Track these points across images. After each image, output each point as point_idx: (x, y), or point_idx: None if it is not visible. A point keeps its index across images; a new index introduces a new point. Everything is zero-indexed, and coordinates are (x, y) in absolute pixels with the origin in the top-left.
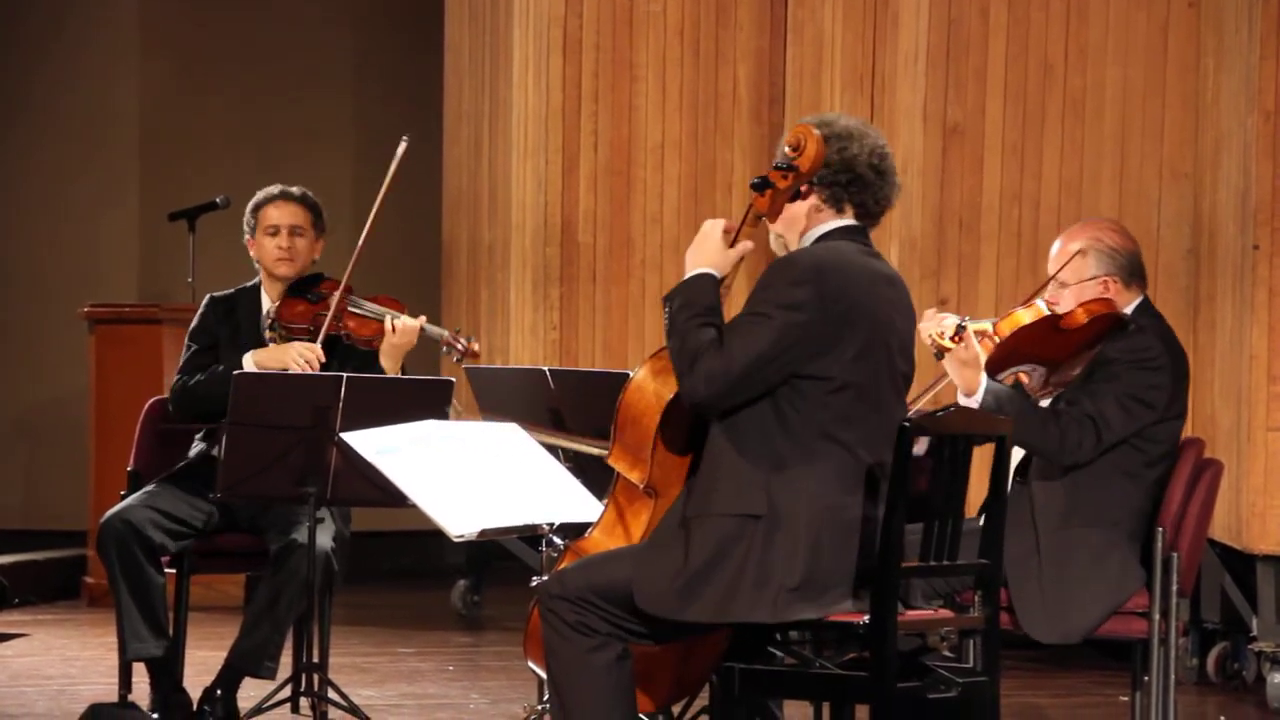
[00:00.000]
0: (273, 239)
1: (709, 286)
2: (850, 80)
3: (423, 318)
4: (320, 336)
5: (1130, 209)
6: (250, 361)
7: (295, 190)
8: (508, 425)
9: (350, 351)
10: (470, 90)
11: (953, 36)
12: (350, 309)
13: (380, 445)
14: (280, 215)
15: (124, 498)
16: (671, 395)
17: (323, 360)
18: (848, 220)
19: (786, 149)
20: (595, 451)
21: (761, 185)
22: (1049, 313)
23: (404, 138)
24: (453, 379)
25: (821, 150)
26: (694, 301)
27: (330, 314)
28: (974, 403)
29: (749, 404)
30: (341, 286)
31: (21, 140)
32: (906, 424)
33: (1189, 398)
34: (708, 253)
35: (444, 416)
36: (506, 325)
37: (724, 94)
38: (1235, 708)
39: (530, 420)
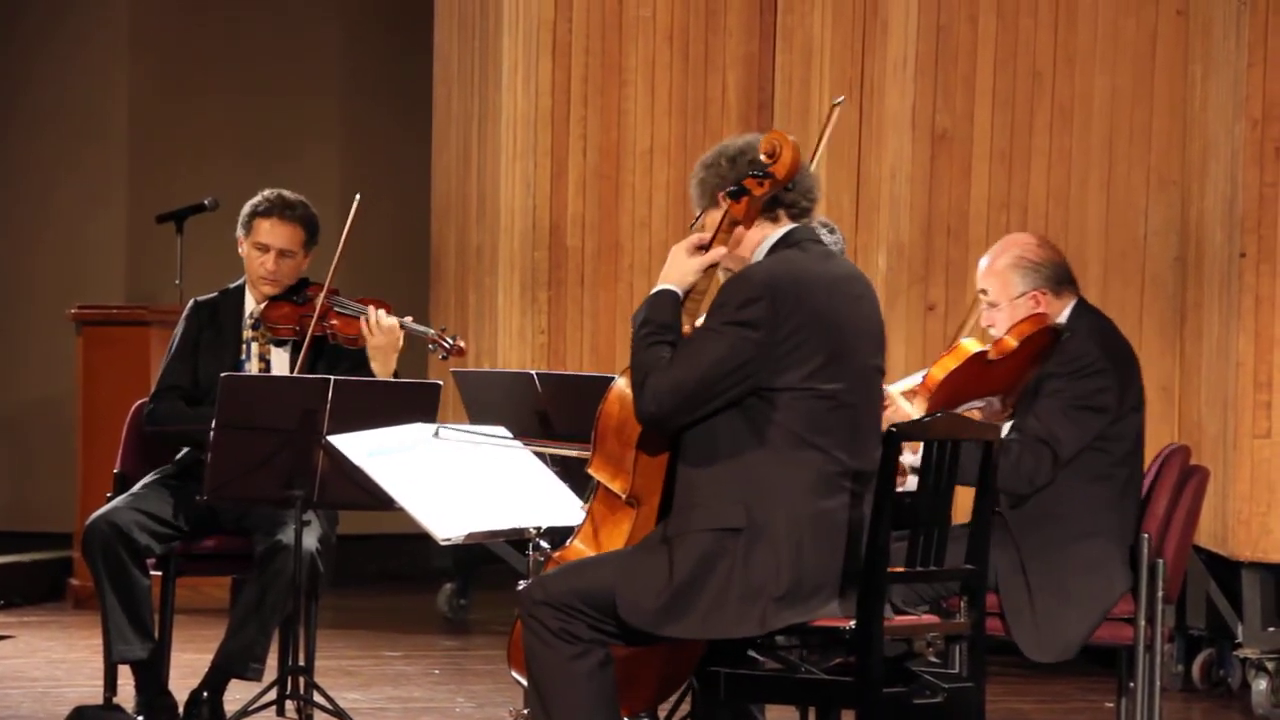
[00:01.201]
0: (261, 256)
1: (667, 304)
2: (839, 86)
3: (408, 317)
4: (306, 339)
5: (1117, 216)
6: None
7: (294, 205)
8: (495, 429)
9: (338, 352)
10: (459, 94)
11: (941, 43)
12: (335, 309)
13: (367, 448)
14: (273, 236)
15: (110, 500)
16: None
17: None
18: (786, 226)
19: (762, 156)
20: (581, 455)
21: (738, 193)
22: (976, 350)
23: (357, 195)
24: (439, 382)
25: (797, 157)
26: (651, 319)
27: (315, 316)
28: (918, 459)
29: (717, 417)
30: (325, 288)
31: (10, 142)
32: (893, 430)
33: (1143, 388)
34: (670, 269)
35: (432, 419)
36: (494, 328)
37: (713, 99)
38: (1220, 714)
39: (517, 426)
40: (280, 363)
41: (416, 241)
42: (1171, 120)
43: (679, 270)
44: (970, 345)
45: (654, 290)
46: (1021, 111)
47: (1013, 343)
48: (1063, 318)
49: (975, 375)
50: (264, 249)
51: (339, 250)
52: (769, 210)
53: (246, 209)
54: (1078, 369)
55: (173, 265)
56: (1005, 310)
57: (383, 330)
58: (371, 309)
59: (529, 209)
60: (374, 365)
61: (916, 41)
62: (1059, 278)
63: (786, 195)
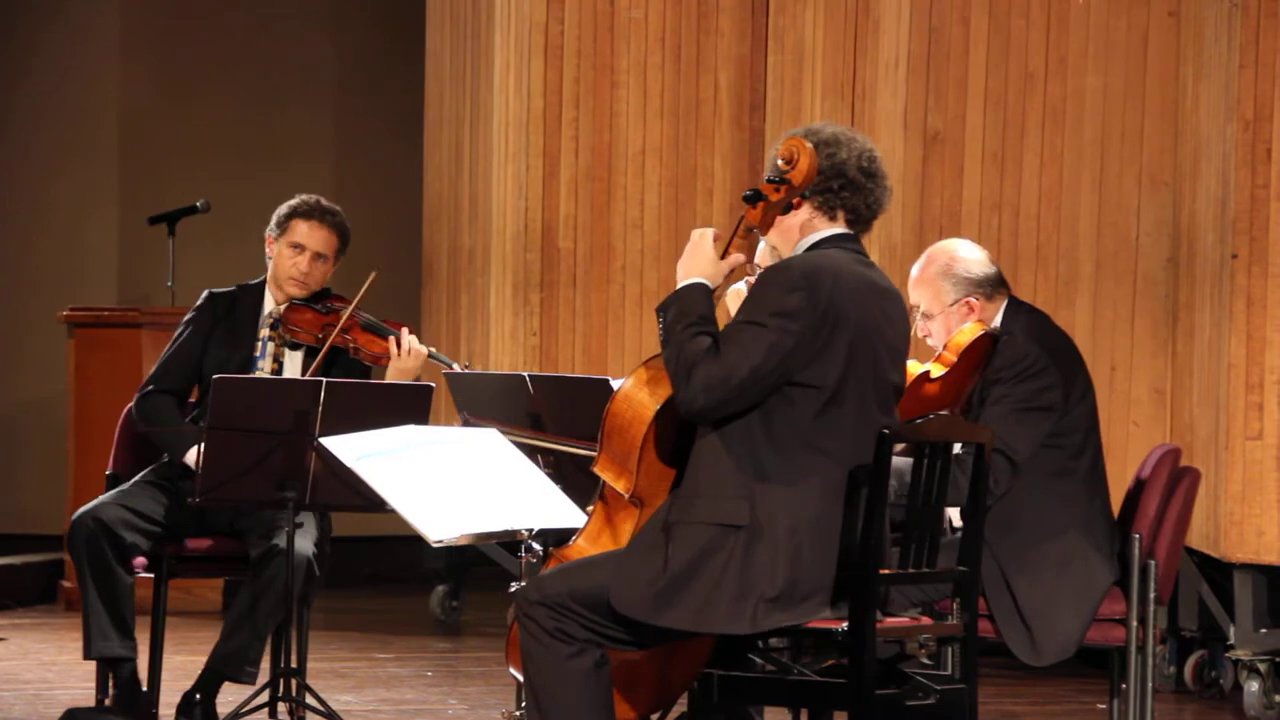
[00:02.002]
0: (294, 255)
1: (702, 296)
2: (831, 88)
3: (433, 348)
4: (325, 347)
5: (1109, 217)
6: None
7: (333, 212)
8: (487, 430)
9: (351, 366)
10: (451, 95)
11: (933, 44)
12: (361, 325)
13: (359, 450)
14: (310, 238)
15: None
16: (659, 406)
17: None
18: (840, 228)
19: (779, 161)
20: (576, 451)
21: (754, 198)
22: (918, 371)
23: (374, 272)
24: (432, 384)
25: (814, 164)
26: (688, 311)
27: (339, 326)
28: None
29: (738, 413)
30: (354, 303)
31: (3, 144)
32: (885, 431)
33: (1088, 375)
34: (699, 262)
35: (424, 421)
36: (486, 330)
37: (705, 100)
38: (1212, 716)
39: (511, 423)
40: (293, 366)
41: (408, 243)
42: (1163, 121)
43: (710, 267)
44: (913, 366)
45: (683, 283)
46: (1013, 112)
47: (951, 356)
48: (997, 320)
49: (920, 395)
50: (299, 249)
51: (371, 277)
52: (829, 208)
53: (283, 209)
54: (1019, 372)
55: (165, 267)
56: (940, 320)
57: (411, 355)
58: (404, 332)
59: (521, 210)
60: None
61: (908, 42)
62: (989, 281)
63: (849, 199)
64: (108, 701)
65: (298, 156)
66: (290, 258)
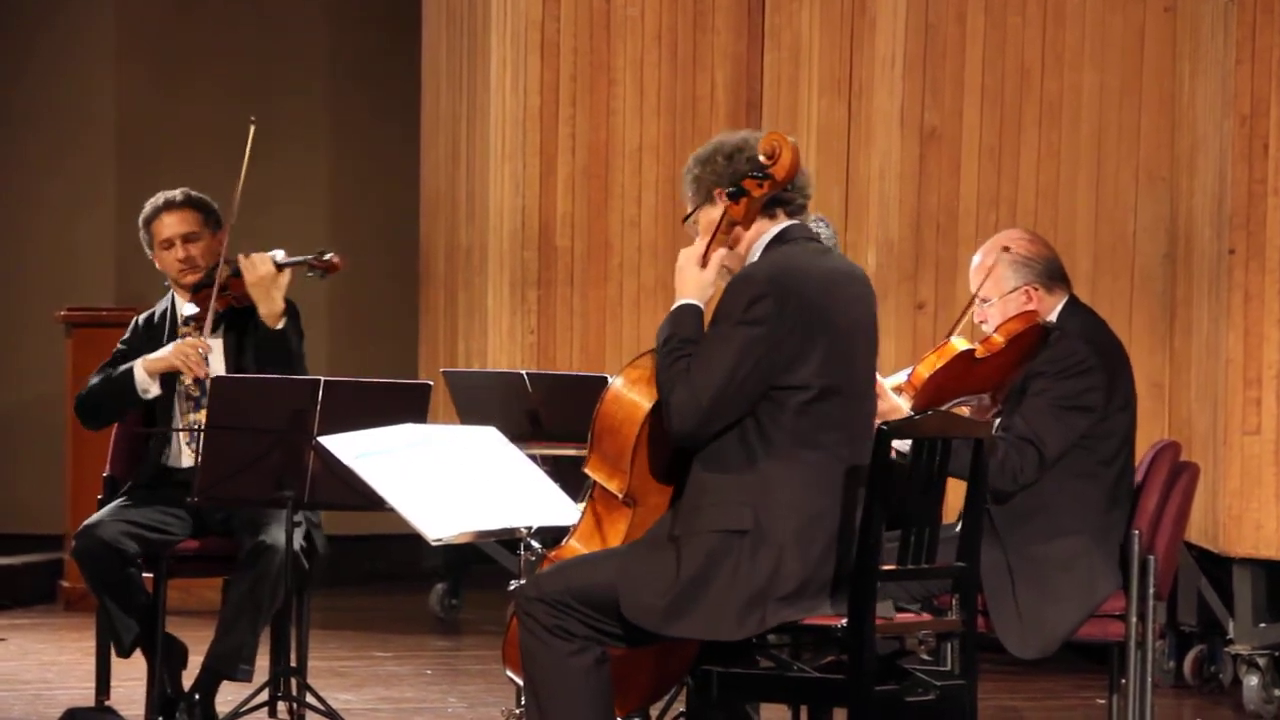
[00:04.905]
0: (169, 252)
1: (689, 317)
2: (827, 85)
3: (279, 251)
4: (208, 316)
5: (1106, 213)
6: (140, 369)
7: (178, 195)
8: (485, 428)
9: (251, 317)
10: (448, 93)
11: (930, 41)
12: (233, 274)
13: (358, 449)
14: (171, 227)
15: (100, 503)
16: (651, 405)
17: (207, 350)
18: (783, 223)
19: (761, 157)
20: (576, 454)
21: (737, 194)
22: (963, 349)
23: (251, 119)
24: (430, 382)
25: (796, 158)
26: (674, 334)
27: (215, 289)
28: (904, 447)
29: (731, 424)
30: (220, 260)
31: None
32: (884, 427)
33: (1133, 386)
34: (686, 284)
35: (422, 419)
36: (484, 328)
37: (701, 98)
38: (1212, 711)
39: (508, 426)
40: (217, 351)
41: (405, 241)
42: (1160, 117)
43: (697, 283)
44: (958, 344)
45: (675, 305)
46: (1010, 109)
47: (1000, 341)
48: (1054, 315)
49: (961, 373)
50: (169, 244)
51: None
52: (767, 208)
53: (141, 222)
54: (1065, 368)
55: None
56: (997, 305)
57: (253, 265)
58: (243, 255)
59: (518, 208)
60: (259, 308)
61: (905, 39)
62: (1051, 273)
63: (785, 193)
64: (108, 701)
65: (294, 154)
66: (169, 256)
